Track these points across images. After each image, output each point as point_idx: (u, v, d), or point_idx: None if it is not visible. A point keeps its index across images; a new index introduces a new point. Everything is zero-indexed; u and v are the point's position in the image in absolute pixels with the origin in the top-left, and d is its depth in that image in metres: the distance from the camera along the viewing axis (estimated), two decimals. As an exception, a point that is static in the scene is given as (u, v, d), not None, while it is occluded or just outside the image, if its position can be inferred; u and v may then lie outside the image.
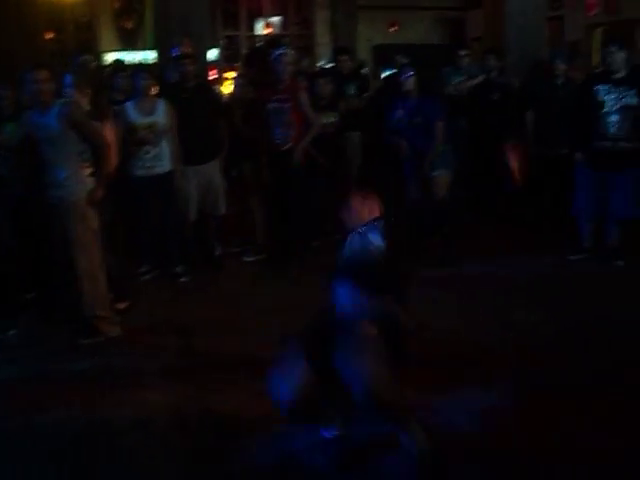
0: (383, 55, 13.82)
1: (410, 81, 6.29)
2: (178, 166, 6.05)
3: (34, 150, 4.89)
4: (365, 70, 10.33)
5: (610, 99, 5.93)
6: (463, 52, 7.51)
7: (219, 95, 6.78)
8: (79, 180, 4.78)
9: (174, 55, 6.38)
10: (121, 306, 5.29)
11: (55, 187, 4.75)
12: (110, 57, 11.48)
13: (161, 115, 5.93)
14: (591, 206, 6.20)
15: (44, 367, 4.57)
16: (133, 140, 5.83)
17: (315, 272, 5.96)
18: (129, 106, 5.92)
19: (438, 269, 6.01)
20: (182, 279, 6.15)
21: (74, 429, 3.76)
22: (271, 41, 9.05)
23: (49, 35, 12.25)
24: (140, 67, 6.94)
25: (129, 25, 13.01)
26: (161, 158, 5.96)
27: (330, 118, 6.79)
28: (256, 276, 6.23)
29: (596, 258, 6.23)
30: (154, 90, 6.06)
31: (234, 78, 7.70)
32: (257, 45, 12.72)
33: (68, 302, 5.09)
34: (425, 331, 4.38)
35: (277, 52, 6.35)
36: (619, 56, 5.93)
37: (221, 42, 13.34)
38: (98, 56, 12.87)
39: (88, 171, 4.88)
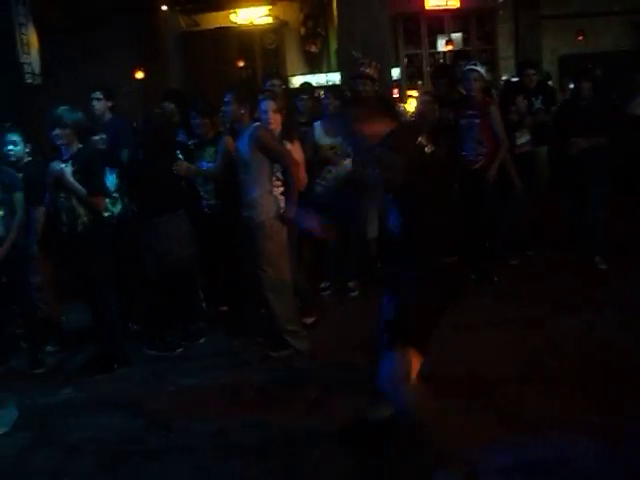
0: (570, 66, 13.30)
1: None
2: None
3: (231, 171, 5.19)
4: (551, 82, 10.00)
5: None
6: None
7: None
8: (269, 201, 4.99)
9: (353, 74, 6.50)
10: (308, 320, 5.45)
11: (247, 207, 5.00)
12: (297, 80, 11.89)
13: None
14: None
15: (236, 376, 4.81)
16: (317, 160, 6.00)
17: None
18: (316, 126, 6.10)
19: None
20: (353, 294, 6.27)
21: (264, 436, 3.92)
22: (459, 55, 8.96)
23: (240, 63, 12.96)
24: (327, 88, 7.10)
25: (314, 49, 13.42)
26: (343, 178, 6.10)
27: (524, 137, 6.64)
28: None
29: None
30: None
31: (418, 96, 7.70)
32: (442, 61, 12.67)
33: (260, 316, 5.33)
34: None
35: (466, 66, 6.30)
36: None
37: (404, 61, 13.44)
38: (286, 80, 13.43)
39: (280, 190, 5.08)
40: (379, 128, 3.32)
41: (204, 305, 5.95)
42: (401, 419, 3.26)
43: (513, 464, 3.44)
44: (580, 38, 14.58)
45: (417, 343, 3.14)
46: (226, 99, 5.00)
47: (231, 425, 4.08)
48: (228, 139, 5.50)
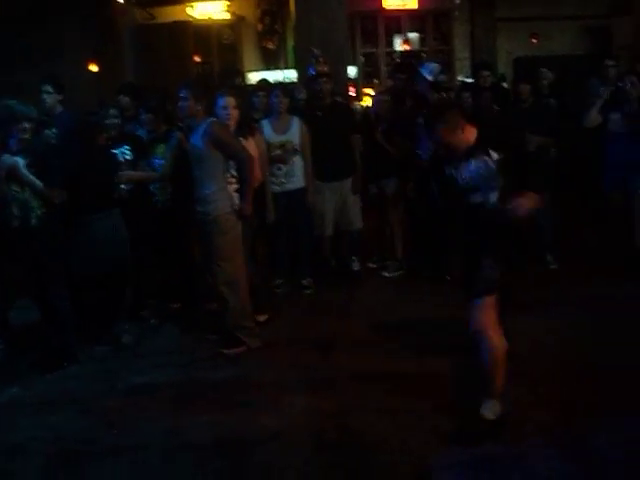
0: (524, 68, 13.48)
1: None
2: (310, 183, 6.16)
3: (182, 167, 5.14)
4: (505, 84, 10.12)
5: None
6: (610, 62, 7.19)
7: (356, 113, 6.79)
8: (223, 196, 4.95)
9: (310, 74, 6.49)
10: (261, 318, 5.43)
11: (201, 203, 4.95)
12: (253, 77, 11.84)
13: (295, 133, 6.06)
14: None
15: (188, 374, 4.77)
16: (267, 158, 5.97)
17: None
18: (265, 124, 6.07)
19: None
20: (307, 291, 6.27)
21: (215, 435, 3.90)
22: (417, 55, 9.04)
23: (197, 58, 12.85)
24: (275, 86, 7.09)
25: (271, 45, 13.39)
26: (293, 175, 6.10)
27: None
28: (394, 292, 6.22)
29: None
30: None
31: (374, 95, 7.73)
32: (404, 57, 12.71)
33: (212, 313, 5.29)
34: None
35: (426, 65, 6.31)
36: None
37: (360, 59, 13.48)
38: (243, 76, 13.35)
39: (234, 187, 5.05)
40: (468, 136, 3.75)
41: (154, 302, 5.88)
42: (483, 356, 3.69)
43: (464, 460, 3.48)
44: (534, 41, 14.80)
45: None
46: (182, 94, 4.94)
47: (182, 424, 4.04)
48: (180, 135, 5.44)
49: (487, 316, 3.69)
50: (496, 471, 3.40)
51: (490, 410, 3.68)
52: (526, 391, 4.09)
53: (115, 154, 5.47)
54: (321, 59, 6.51)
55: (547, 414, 3.83)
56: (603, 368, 4.31)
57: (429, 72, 6.28)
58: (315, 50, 6.97)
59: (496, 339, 3.67)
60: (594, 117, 6.01)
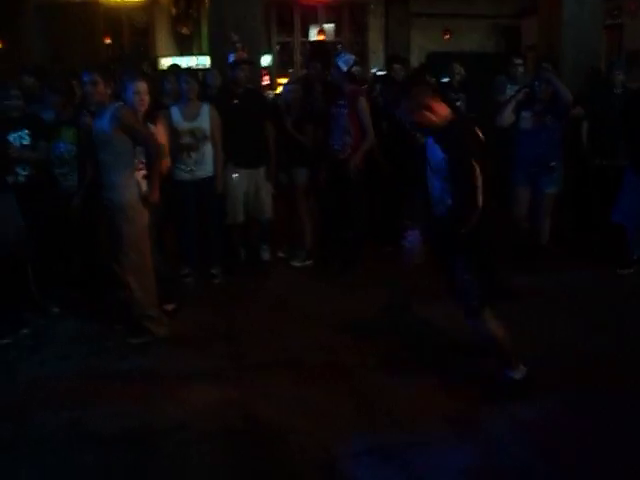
0: (437, 63, 13.75)
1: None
2: (221, 170, 6.12)
3: (88, 153, 5.01)
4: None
5: None
6: (518, 61, 7.40)
7: (269, 101, 6.76)
8: (130, 182, 4.85)
9: (230, 61, 6.42)
10: (168, 307, 5.36)
11: (107, 189, 4.83)
12: (166, 62, 11.64)
13: (205, 120, 5.99)
14: (636, 212, 5.92)
15: (93, 364, 4.66)
16: (176, 145, 5.89)
17: (367, 279, 6.07)
18: (174, 110, 5.97)
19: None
20: (216, 280, 6.23)
21: (120, 426, 3.83)
22: (325, 45, 9.04)
23: (107, 40, 12.53)
24: (185, 71, 6.97)
25: (185, 31, 13.19)
26: (203, 162, 6.02)
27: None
28: (303, 281, 6.24)
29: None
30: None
31: (284, 85, 7.70)
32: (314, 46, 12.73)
33: (118, 301, 5.19)
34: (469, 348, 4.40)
35: (342, 56, 6.32)
36: None
37: (275, 48, 13.45)
38: (155, 61, 13.09)
39: (142, 173, 4.96)
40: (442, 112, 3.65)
41: (57, 291, 5.72)
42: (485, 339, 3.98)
43: (369, 448, 3.55)
44: (447, 37, 15.12)
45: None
46: (91, 78, 4.79)
47: (88, 415, 3.95)
48: (88, 119, 5.29)
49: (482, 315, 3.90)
50: (401, 459, 3.46)
51: (515, 373, 3.98)
52: (434, 382, 4.19)
53: (6, 139, 5.25)
54: (239, 45, 6.43)
55: (453, 404, 3.93)
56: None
57: (344, 63, 6.30)
58: (234, 36, 6.88)
59: (492, 322, 3.88)
60: (508, 116, 6.17)
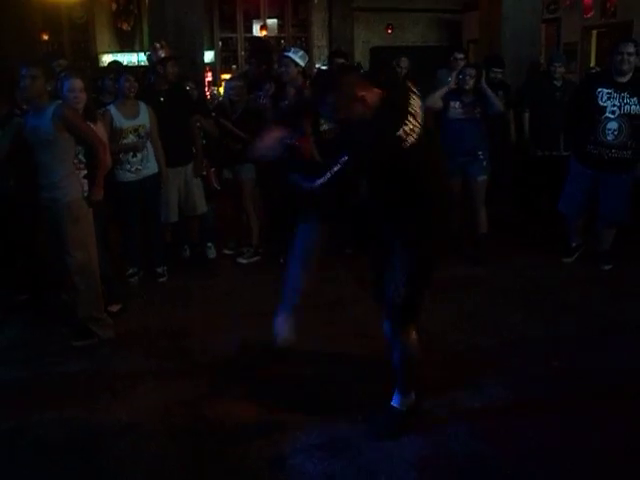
0: (380, 57, 13.84)
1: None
2: (164, 166, 6.07)
3: (25, 152, 4.87)
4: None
5: (611, 105, 5.66)
6: (459, 55, 7.50)
7: (192, 96, 6.68)
8: (74, 181, 4.75)
9: (152, 60, 6.35)
10: (114, 309, 5.28)
11: (49, 189, 4.71)
12: (107, 59, 11.45)
13: (145, 118, 5.90)
14: (578, 202, 6.03)
15: (36, 369, 4.54)
16: (120, 145, 5.78)
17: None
18: (112, 109, 5.83)
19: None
20: (161, 279, 6.17)
21: (66, 432, 3.75)
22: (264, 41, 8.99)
23: (45, 36, 12.24)
24: (124, 69, 6.87)
25: (126, 27, 12.99)
26: (148, 160, 5.95)
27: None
28: (250, 278, 6.21)
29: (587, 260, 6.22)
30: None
31: (227, 81, 7.62)
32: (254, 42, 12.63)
33: (62, 304, 5.09)
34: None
35: (296, 52, 6.27)
36: (634, 59, 5.61)
37: (218, 44, 13.34)
38: (95, 57, 12.87)
39: (83, 173, 4.86)
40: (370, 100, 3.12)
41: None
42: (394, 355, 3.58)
43: (319, 443, 3.55)
44: (390, 31, 15.21)
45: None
46: (30, 72, 4.63)
47: (31, 422, 3.85)
48: (19, 120, 5.15)
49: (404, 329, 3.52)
50: (351, 453, 3.47)
51: (402, 403, 3.67)
52: (381, 375, 4.19)
53: None
54: (157, 44, 6.33)
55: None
56: (455, 351, 4.56)
57: (301, 58, 6.29)
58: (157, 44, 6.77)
59: (410, 341, 3.52)
60: (436, 99, 6.23)
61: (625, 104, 5.64)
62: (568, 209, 6.17)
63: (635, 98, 5.62)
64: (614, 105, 5.66)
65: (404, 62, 7.40)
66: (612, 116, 5.66)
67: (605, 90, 5.69)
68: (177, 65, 6.29)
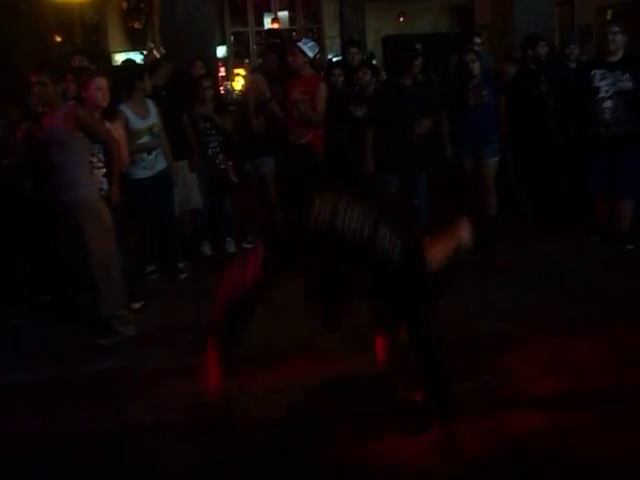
0: (392, 46, 13.75)
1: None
2: (172, 161, 6.12)
3: (41, 154, 4.90)
4: (375, 61, 10.28)
5: (605, 84, 5.87)
6: (477, 40, 7.43)
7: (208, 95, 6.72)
8: (91, 181, 4.78)
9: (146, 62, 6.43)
10: (136, 306, 5.31)
11: (66, 189, 4.74)
12: (119, 58, 11.48)
13: (155, 115, 5.93)
14: (598, 181, 6.15)
15: (61, 369, 4.57)
16: (137, 146, 5.80)
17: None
18: (126, 110, 5.79)
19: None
20: (182, 275, 6.18)
21: (94, 430, 3.76)
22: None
23: (58, 38, 12.29)
24: (142, 68, 6.92)
25: (137, 25, 13.02)
26: (160, 155, 6.00)
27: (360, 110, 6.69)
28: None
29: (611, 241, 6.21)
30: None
31: (246, 75, 7.66)
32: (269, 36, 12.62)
33: (83, 304, 5.11)
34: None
35: (307, 42, 6.28)
36: (619, 38, 5.85)
37: (230, 39, 13.34)
38: (108, 57, 12.90)
39: (102, 171, 4.88)
40: None
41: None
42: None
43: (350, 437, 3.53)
44: (401, 20, 15.12)
45: None
46: (39, 79, 4.70)
47: (57, 421, 3.87)
48: (31, 124, 5.18)
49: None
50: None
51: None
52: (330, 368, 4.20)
53: None
54: (151, 45, 6.44)
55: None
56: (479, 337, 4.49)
57: (310, 49, 6.29)
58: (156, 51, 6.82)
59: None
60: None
61: (618, 81, 5.84)
62: (590, 190, 6.27)
63: (627, 75, 5.82)
64: (607, 84, 5.87)
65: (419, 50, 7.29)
66: (606, 95, 5.87)
67: (599, 71, 5.92)
68: (170, 64, 6.46)
